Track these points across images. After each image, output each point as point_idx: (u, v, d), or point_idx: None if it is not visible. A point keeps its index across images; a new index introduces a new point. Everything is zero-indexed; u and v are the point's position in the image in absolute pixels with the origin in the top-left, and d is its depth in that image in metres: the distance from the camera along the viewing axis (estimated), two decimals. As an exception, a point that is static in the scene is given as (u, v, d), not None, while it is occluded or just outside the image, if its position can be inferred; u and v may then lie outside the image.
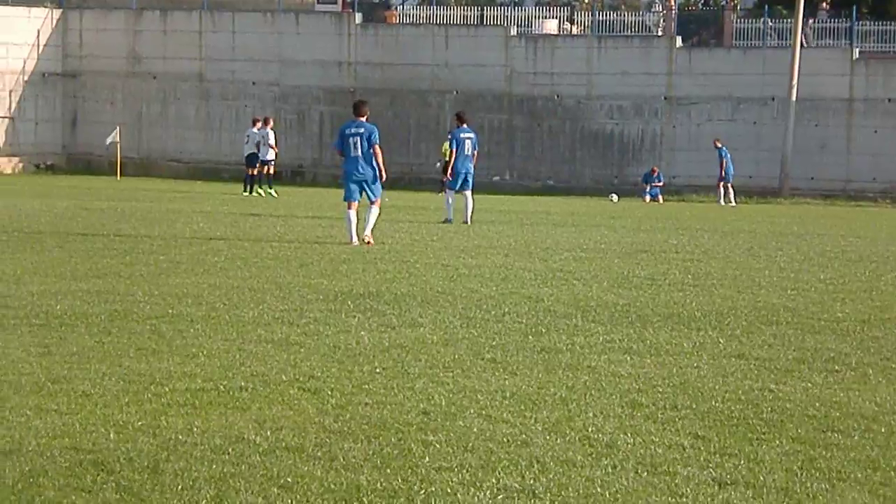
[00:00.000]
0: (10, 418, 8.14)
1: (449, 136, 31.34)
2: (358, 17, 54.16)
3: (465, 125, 29.71)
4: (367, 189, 22.61)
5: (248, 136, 42.87)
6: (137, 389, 9.18)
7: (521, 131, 52.55)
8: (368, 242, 22.08)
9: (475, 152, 29.30)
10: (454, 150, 29.11)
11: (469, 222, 28.17)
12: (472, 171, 29.03)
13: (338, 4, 55.11)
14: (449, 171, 29.19)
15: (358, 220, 22.50)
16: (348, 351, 11.11)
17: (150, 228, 24.69)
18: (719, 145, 47.00)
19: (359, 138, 22.48)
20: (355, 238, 22.19)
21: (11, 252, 18.95)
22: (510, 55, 52.30)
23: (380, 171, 22.65)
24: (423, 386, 9.65)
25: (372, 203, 22.63)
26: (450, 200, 28.96)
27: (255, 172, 41.76)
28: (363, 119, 22.80)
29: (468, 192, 28.80)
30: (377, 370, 10.23)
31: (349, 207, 22.50)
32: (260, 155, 41.56)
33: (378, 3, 57.57)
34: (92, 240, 21.56)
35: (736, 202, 46.05)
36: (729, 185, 46.65)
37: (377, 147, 22.59)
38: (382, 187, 23.10)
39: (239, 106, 54.70)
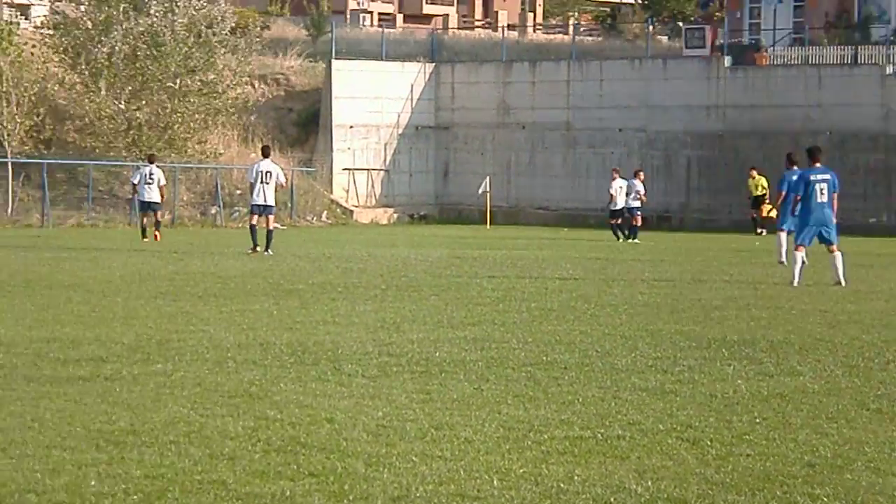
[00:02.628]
0: (398, 464, 8.34)
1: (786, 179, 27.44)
2: (727, 61, 53.64)
3: (795, 167, 27.45)
4: (826, 234, 23.09)
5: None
6: (517, 436, 9.25)
7: (899, 171, 50.75)
8: (839, 284, 22.76)
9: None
10: (786, 192, 26.70)
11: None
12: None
13: (706, 48, 54.76)
14: (773, 211, 27.51)
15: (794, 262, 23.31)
16: (725, 400, 10.91)
17: (521, 275, 25.04)
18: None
19: (825, 185, 23.07)
20: (797, 280, 22.77)
21: (391, 301, 19.56)
22: (886, 94, 50.63)
23: (833, 215, 23.34)
24: (807, 437, 9.36)
25: (831, 248, 23.08)
26: (782, 240, 28.18)
27: (620, 221, 42.29)
28: (819, 165, 23.39)
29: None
30: (757, 420, 9.99)
31: (797, 250, 23.15)
32: (618, 203, 42.01)
33: (748, 46, 56.83)
34: (466, 288, 22.01)
35: None
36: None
37: (836, 194, 23.22)
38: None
39: (605, 153, 54.98)
